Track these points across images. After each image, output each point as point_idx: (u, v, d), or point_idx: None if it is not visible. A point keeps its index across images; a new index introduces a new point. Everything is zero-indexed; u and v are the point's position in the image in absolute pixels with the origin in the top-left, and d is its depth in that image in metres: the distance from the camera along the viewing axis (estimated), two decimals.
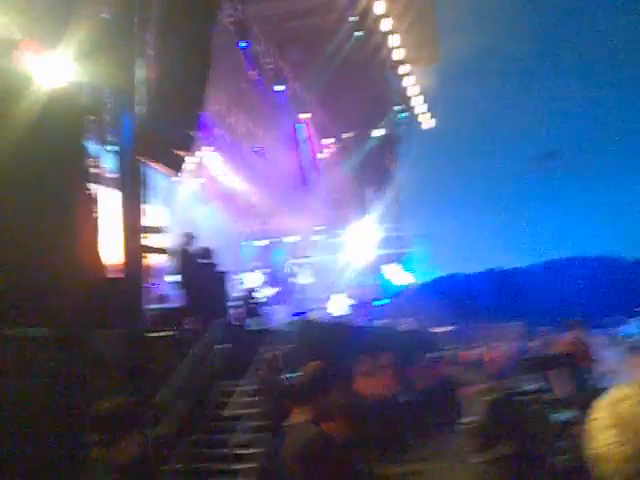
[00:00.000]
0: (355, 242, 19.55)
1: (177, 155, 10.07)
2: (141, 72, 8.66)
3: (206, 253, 10.50)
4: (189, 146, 10.34)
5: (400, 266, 21.04)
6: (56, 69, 7.16)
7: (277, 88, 16.83)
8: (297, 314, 13.08)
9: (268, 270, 16.99)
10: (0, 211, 6.93)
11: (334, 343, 9.74)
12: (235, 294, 12.24)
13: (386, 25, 16.54)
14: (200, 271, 10.03)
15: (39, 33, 6.96)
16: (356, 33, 16.58)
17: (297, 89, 18.30)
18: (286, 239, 20.49)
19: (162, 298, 11.05)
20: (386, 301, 18.96)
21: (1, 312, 6.15)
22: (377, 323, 15.92)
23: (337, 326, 13.09)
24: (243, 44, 14.37)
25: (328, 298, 17.07)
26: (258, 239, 20.85)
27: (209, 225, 17.39)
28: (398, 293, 20.11)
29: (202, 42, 9.40)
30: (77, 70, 7.23)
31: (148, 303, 9.30)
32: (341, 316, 16.05)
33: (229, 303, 10.90)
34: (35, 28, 6.89)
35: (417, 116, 21.66)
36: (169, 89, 8.94)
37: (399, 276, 20.95)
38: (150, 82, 8.99)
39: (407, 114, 21.53)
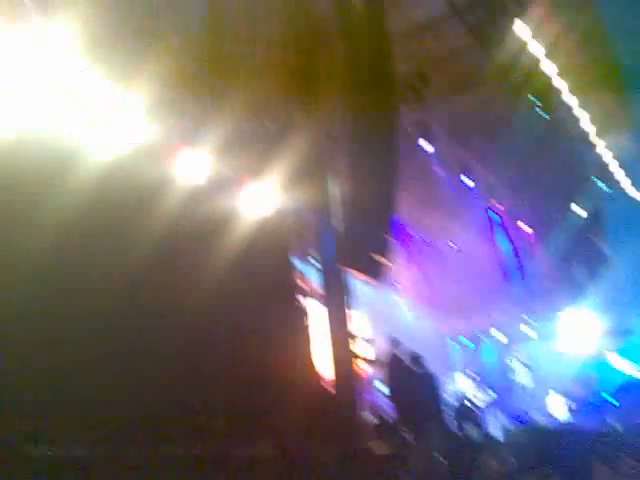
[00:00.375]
0: (571, 331, 18.05)
1: (376, 260, 10.16)
2: (334, 186, 9.05)
3: (415, 358, 10.28)
4: (386, 250, 10.40)
5: (626, 356, 18.90)
6: (262, 197, 7.81)
7: (465, 181, 16.67)
8: (516, 418, 12.12)
9: (479, 370, 16.20)
10: (221, 331, 7.36)
11: (564, 453, 8.76)
12: (448, 399, 11.71)
13: (571, 100, 15.92)
14: (410, 377, 9.77)
15: (249, 169, 7.65)
16: (540, 112, 16.09)
17: (486, 178, 18.04)
18: (495, 335, 19.55)
19: (373, 408, 10.89)
20: (613, 400, 16.93)
21: (230, 432, 6.38)
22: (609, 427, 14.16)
23: (565, 432, 11.81)
24: (424, 143, 14.57)
25: (547, 396, 15.70)
26: (465, 337, 20.12)
27: (414, 327, 17.18)
28: (627, 388, 17.90)
29: (389, 149, 9.64)
30: (281, 195, 7.79)
31: (361, 414, 9.19)
32: (566, 418, 14.58)
33: (442, 410, 10.41)
34: (246, 165, 7.59)
35: (622, 188, 20.12)
36: (361, 198, 9.17)
37: (625, 368, 18.76)
38: (343, 194, 9.31)
39: (610, 186, 20.09)
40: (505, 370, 16.22)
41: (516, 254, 18.85)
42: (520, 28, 12.26)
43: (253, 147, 8.21)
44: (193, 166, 7.29)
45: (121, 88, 6.63)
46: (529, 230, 20.61)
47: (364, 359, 10.67)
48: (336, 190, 8.99)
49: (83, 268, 5.83)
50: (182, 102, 7.51)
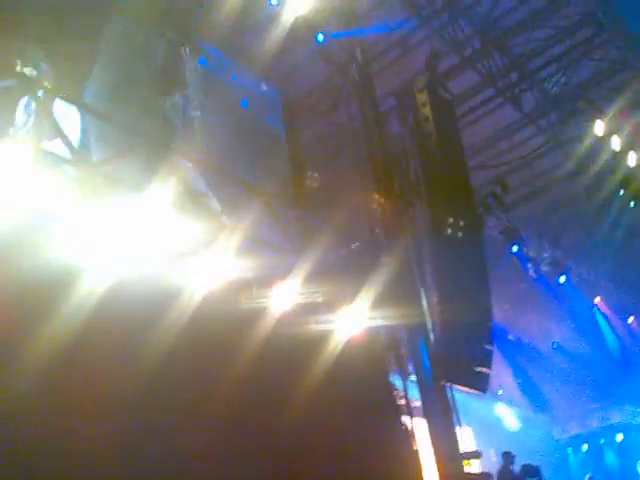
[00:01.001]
0: None
1: (479, 372, 9.86)
2: (426, 300, 9.02)
3: (531, 471, 9.69)
4: (488, 361, 10.09)
5: None
6: (355, 318, 7.87)
7: (560, 279, 16.32)
8: None
9: (601, 475, 14.97)
10: (317, 459, 7.18)
11: None
12: None
13: None
14: None
15: (339, 291, 7.80)
16: (629, 202, 15.70)
17: (581, 273, 17.56)
18: (613, 434, 18.18)
19: None
20: None
21: None
22: None
23: None
24: (515, 248, 14.52)
25: None
26: (580, 440, 18.79)
27: (523, 435, 16.29)
28: None
29: (477, 258, 9.62)
30: (374, 315, 7.82)
31: None
32: None
33: None
34: (336, 288, 7.75)
35: None
36: (456, 310, 9.07)
37: None
38: (436, 307, 9.24)
39: None
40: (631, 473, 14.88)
41: (624, 346, 17.89)
42: (596, 124, 12.34)
43: (341, 269, 8.37)
44: (285, 294, 7.47)
45: (212, 226, 7.04)
46: (635, 319, 19.65)
47: (477, 475, 10.11)
48: (429, 304, 8.96)
49: (174, 406, 5.95)
50: (271, 235, 7.89)
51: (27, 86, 6.33)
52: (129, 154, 6.90)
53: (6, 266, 4.78)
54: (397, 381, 9.46)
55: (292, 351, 7.29)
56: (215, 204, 7.44)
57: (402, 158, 10.73)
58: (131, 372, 5.39)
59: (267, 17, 9.94)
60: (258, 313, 7.17)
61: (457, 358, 9.29)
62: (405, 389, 9.58)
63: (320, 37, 10.62)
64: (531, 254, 15.41)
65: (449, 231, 9.18)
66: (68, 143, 6.20)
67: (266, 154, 10.01)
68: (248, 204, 7.61)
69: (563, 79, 12.83)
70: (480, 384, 10.09)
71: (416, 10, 11.58)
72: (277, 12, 9.73)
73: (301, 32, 10.39)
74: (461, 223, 9.30)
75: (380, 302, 7.80)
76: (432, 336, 9.00)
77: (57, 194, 5.57)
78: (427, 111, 10.08)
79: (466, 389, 10.15)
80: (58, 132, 6.21)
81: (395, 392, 9.35)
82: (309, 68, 11.63)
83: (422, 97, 10.15)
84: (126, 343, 5.54)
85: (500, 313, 15.14)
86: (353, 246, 9.04)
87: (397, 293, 8.10)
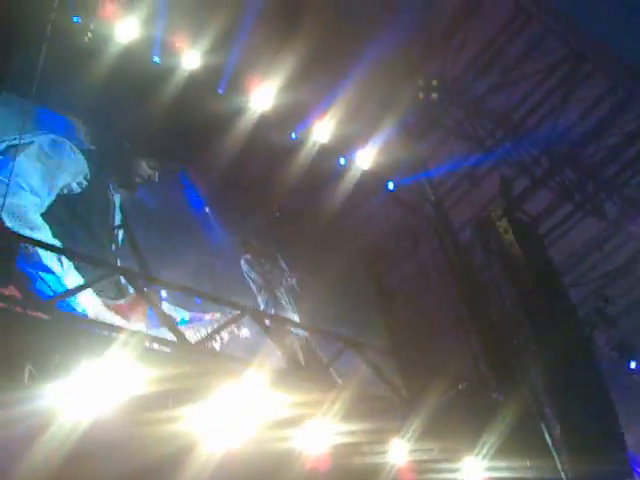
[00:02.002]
0: None
1: None
2: (551, 436, 8.40)
3: None
4: None
5: None
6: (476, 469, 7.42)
7: None
8: None
9: None
10: None
11: None
12: None
13: None
14: None
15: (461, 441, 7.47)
16: None
17: None
18: None
19: None
20: None
21: None
22: None
23: None
24: (633, 364, 13.56)
25: None
26: None
27: None
28: None
29: (595, 383, 9.02)
30: (498, 465, 7.40)
31: None
32: None
33: None
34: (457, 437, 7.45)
35: None
36: (584, 442, 8.36)
37: None
38: (560, 441, 8.55)
39: None
40: None
41: None
42: None
43: (452, 414, 8.00)
44: (397, 451, 7.17)
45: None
46: None
47: None
48: (553, 439, 8.33)
49: None
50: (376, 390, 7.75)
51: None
52: None
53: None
54: None
55: None
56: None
57: (493, 287, 10.52)
58: None
59: (336, 175, 10.43)
60: (372, 470, 6.95)
61: None
62: None
63: (390, 185, 10.95)
64: None
65: (559, 357, 8.69)
66: (174, 329, 6.47)
67: (360, 310, 10.13)
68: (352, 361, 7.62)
69: None
70: None
71: (478, 143, 11.88)
72: (345, 170, 10.21)
73: (370, 184, 10.80)
74: (570, 347, 8.81)
75: (504, 449, 7.37)
76: (564, 475, 8.24)
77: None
78: (510, 236, 9.98)
79: None
80: (166, 321, 6.56)
81: None
82: (383, 213, 11.91)
83: (502, 224, 10.10)
84: None
85: (633, 438, 13.87)
86: (460, 387, 8.65)
87: (520, 437, 7.62)
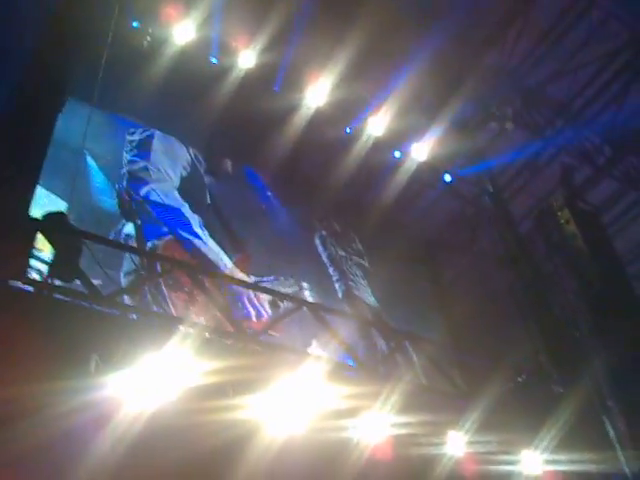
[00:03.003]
0: None
1: None
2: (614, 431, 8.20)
3: None
4: None
5: None
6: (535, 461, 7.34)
7: None
8: None
9: None
10: None
11: None
12: None
13: None
14: None
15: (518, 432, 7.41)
16: None
17: None
18: None
19: None
20: None
21: None
22: None
23: None
24: None
25: None
26: None
27: None
28: None
29: None
30: (559, 458, 7.28)
31: None
32: None
33: None
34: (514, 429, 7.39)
35: None
36: None
37: None
38: (626, 437, 8.31)
39: None
40: None
41: None
42: None
43: (512, 406, 7.90)
44: (455, 443, 7.15)
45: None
46: None
47: None
48: (617, 434, 8.11)
49: None
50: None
51: None
52: None
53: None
54: None
55: None
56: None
57: (555, 278, 10.31)
58: None
59: (392, 167, 10.45)
60: (430, 461, 6.98)
61: None
62: None
63: (447, 177, 10.88)
64: None
65: (624, 349, 8.45)
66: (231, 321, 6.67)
67: (418, 303, 10.18)
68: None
69: None
70: None
71: (538, 132, 11.64)
72: (401, 163, 10.21)
73: (427, 176, 10.76)
74: (635, 338, 8.55)
75: (564, 442, 7.24)
76: (628, 469, 8.02)
77: None
78: (573, 227, 9.75)
79: None
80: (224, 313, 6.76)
81: None
82: (441, 205, 11.84)
83: (564, 214, 9.88)
84: None
85: None
86: (520, 379, 8.53)
87: (582, 430, 7.47)
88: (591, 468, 7.44)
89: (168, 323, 6.39)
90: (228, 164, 10.08)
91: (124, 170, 8.80)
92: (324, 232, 10.54)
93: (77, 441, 5.05)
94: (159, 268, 7.43)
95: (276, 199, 10.70)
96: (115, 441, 5.06)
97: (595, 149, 11.84)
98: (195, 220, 8.94)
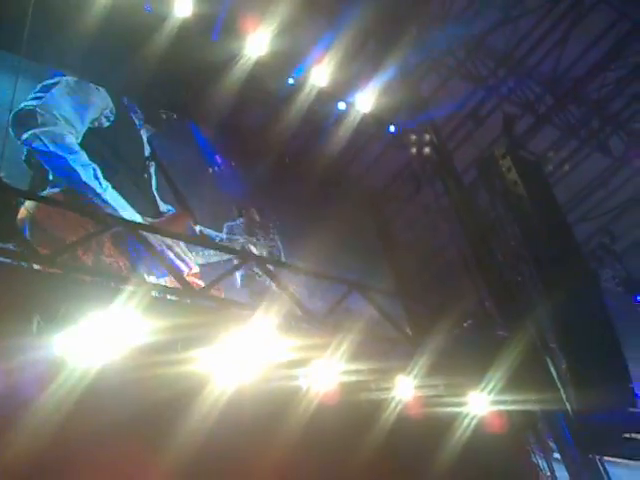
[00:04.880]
0: None
1: (629, 439, 9.04)
2: (556, 371, 8.53)
3: None
4: (636, 425, 9.25)
5: None
6: (487, 401, 7.59)
7: None
8: None
9: None
10: None
11: None
12: None
13: None
14: None
15: (469, 374, 7.61)
16: None
17: None
18: None
19: None
20: None
21: None
22: None
23: None
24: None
25: None
26: None
27: None
28: None
29: (600, 317, 9.08)
30: (503, 398, 7.52)
31: None
32: None
33: None
34: (466, 371, 7.59)
35: None
36: (589, 376, 8.47)
37: None
38: (567, 376, 8.66)
39: None
40: None
41: None
42: None
43: (458, 350, 8.12)
44: (404, 388, 7.32)
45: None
46: None
47: None
48: (559, 373, 8.45)
49: None
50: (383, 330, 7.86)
51: None
52: None
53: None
54: (540, 461, 8.87)
55: (419, 436, 7.19)
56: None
57: (497, 226, 10.51)
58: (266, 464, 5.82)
59: (336, 120, 10.36)
60: (378, 405, 7.15)
61: (601, 427, 8.58)
62: (551, 468, 8.94)
63: (391, 128, 10.86)
64: None
65: (565, 293, 8.74)
66: (179, 278, 6.55)
67: (365, 254, 10.23)
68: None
69: None
70: (632, 451, 9.24)
71: (480, 82, 11.69)
72: (345, 115, 10.12)
73: (371, 128, 10.71)
74: (575, 283, 8.85)
75: (509, 383, 7.50)
76: (569, 406, 8.39)
77: None
78: (514, 175, 9.90)
79: (617, 459, 9.31)
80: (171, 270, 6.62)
81: (540, 473, 8.77)
82: (386, 157, 11.85)
83: (506, 162, 10.00)
84: (257, 435, 6.10)
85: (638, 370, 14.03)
86: (465, 324, 8.75)
87: (525, 371, 7.74)
88: (535, 407, 7.75)
89: (112, 282, 6.24)
90: (168, 117, 9.73)
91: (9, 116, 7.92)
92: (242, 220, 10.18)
93: (21, 401, 4.94)
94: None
95: (224, 161, 10.46)
96: (60, 400, 4.96)
97: (537, 98, 12.00)
98: (89, 170, 8.25)
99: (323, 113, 10.11)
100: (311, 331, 7.20)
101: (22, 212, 6.83)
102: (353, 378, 6.72)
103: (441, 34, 11.19)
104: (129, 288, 5.82)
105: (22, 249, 5.81)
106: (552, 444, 9.09)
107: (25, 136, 7.86)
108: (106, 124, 9.00)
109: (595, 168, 12.86)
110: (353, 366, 6.70)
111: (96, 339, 5.39)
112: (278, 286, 7.60)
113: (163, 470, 5.42)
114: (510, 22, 11.18)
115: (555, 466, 8.97)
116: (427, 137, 10.97)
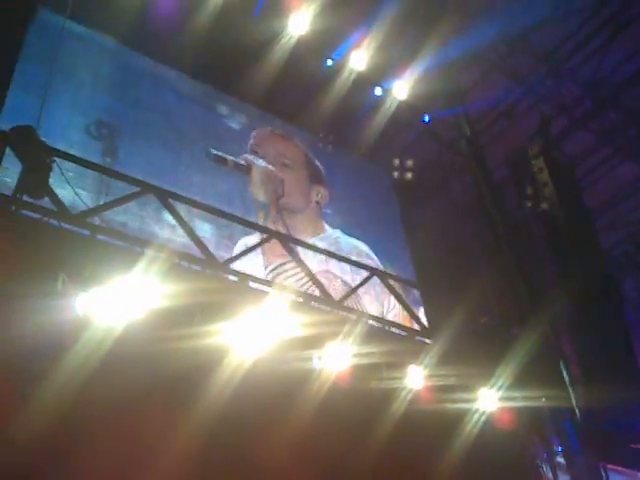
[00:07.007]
0: None
1: (635, 449, 9.04)
2: (568, 375, 8.52)
3: None
4: None
5: None
6: (493, 398, 7.60)
7: None
8: None
9: None
10: None
11: None
12: None
13: None
14: None
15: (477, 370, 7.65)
16: None
17: None
18: None
19: None
20: None
21: None
22: None
23: None
24: None
25: None
26: None
27: None
28: None
29: (618, 324, 9.05)
30: (513, 395, 7.54)
31: None
32: None
33: None
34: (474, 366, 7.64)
35: None
36: (602, 383, 8.45)
37: None
38: (580, 380, 8.66)
39: None
40: None
41: None
42: None
43: (473, 347, 8.14)
44: (415, 377, 7.37)
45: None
46: None
47: None
48: (572, 377, 8.44)
49: None
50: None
51: None
52: None
53: None
54: (544, 465, 8.91)
55: (428, 428, 7.26)
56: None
57: (523, 226, 10.48)
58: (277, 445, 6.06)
59: (372, 106, 10.32)
60: (388, 394, 7.22)
61: (610, 435, 8.58)
62: (554, 472, 8.97)
63: (426, 118, 10.81)
64: None
65: (582, 294, 8.71)
66: (202, 248, 6.63)
67: (389, 241, 10.24)
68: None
69: None
70: (638, 462, 9.24)
71: (519, 79, 11.56)
72: (381, 101, 10.08)
73: (406, 116, 10.66)
74: (594, 285, 8.82)
75: (520, 381, 7.52)
76: (579, 412, 8.39)
77: None
78: (545, 176, 9.87)
79: (622, 469, 9.32)
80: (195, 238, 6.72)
81: (543, 476, 8.81)
82: (417, 147, 11.79)
83: (538, 163, 9.98)
84: (271, 413, 6.26)
85: None
86: (482, 321, 8.77)
87: (537, 370, 7.75)
88: (543, 404, 7.78)
89: (138, 246, 6.33)
90: (210, 92, 9.64)
91: None
92: None
93: (41, 360, 5.07)
94: None
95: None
96: (81, 362, 5.09)
97: (575, 100, 11.83)
98: None
99: (359, 97, 10.07)
100: (326, 310, 7.28)
101: None
102: (366, 361, 6.80)
103: (485, 27, 11.06)
104: (150, 252, 5.94)
105: (53, 206, 5.92)
106: (558, 448, 9.12)
107: None
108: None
109: (627, 177, 12.69)
110: (366, 349, 6.79)
111: (119, 301, 5.52)
112: (296, 262, 7.67)
113: (181, 438, 5.56)
114: (556, 21, 11.01)
115: (557, 471, 9.01)
116: (461, 129, 10.92)
